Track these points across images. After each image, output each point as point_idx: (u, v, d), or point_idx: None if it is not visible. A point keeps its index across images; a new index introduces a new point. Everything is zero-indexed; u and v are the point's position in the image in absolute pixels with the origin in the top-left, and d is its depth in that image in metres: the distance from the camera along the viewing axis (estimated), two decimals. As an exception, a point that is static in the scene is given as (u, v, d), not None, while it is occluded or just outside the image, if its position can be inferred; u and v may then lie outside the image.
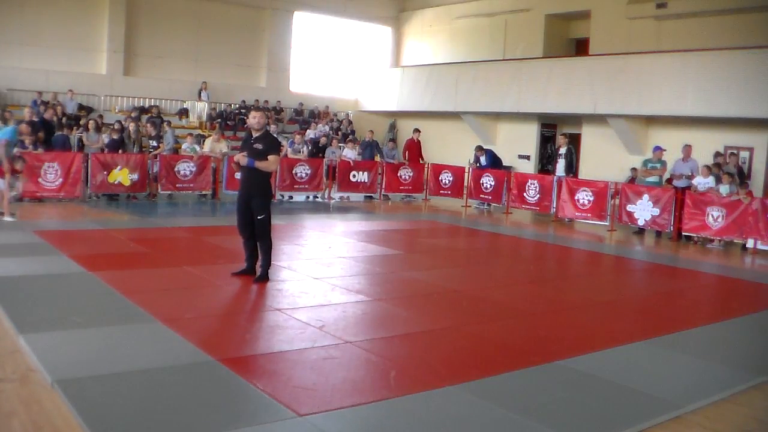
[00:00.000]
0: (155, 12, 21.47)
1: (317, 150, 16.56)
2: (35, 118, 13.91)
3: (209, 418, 3.61)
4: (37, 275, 6.66)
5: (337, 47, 25.46)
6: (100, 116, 17.90)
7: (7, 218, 9.93)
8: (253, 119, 6.89)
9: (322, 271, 7.78)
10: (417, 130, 18.12)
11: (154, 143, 14.38)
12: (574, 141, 19.89)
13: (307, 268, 7.84)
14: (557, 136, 16.07)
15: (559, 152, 15.18)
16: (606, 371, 4.77)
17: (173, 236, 9.87)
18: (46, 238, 8.60)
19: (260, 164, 6.74)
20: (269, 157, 6.75)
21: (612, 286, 8.55)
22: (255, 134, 6.90)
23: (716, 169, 12.93)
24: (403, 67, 24.84)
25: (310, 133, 19.72)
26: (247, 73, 23.48)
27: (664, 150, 13.47)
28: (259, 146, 6.78)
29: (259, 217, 6.82)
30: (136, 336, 4.97)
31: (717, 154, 14.75)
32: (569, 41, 22.09)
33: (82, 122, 16.77)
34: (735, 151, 14.79)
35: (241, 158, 6.84)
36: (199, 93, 21.66)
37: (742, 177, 13.28)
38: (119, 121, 16.07)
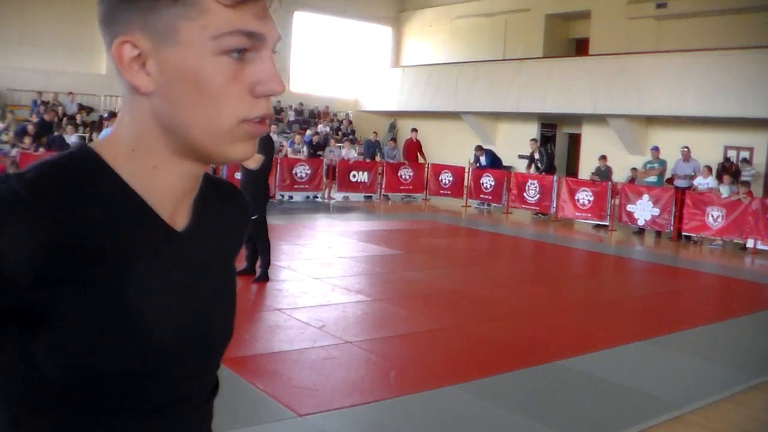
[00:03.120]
0: (155, 12, 21.45)
1: (314, 149, 16.59)
2: (35, 119, 13.92)
3: (209, 418, 3.61)
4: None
5: (337, 47, 25.46)
6: (100, 117, 17.90)
7: None
8: None
9: (322, 271, 7.78)
10: (414, 130, 18.41)
11: None
12: (574, 141, 19.98)
13: (307, 268, 7.84)
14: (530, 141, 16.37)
15: (535, 157, 15.45)
16: (606, 371, 4.77)
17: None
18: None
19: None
20: (254, 155, 6.86)
21: (612, 286, 8.56)
22: None
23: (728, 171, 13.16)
24: (403, 67, 24.83)
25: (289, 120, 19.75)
26: (247, 73, 23.45)
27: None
28: None
29: (252, 218, 6.90)
30: (136, 336, 4.96)
31: (740, 160, 15.01)
32: (569, 41, 22.08)
33: (78, 120, 16.80)
34: (741, 156, 14.97)
35: None
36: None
37: (738, 176, 13.35)
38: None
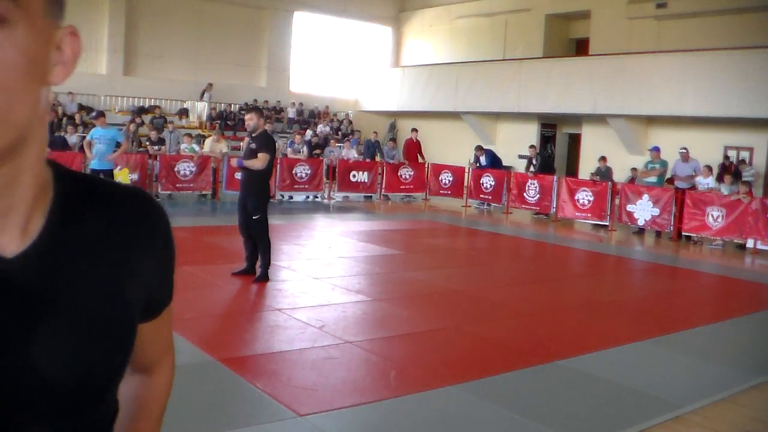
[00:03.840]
0: (155, 12, 21.46)
1: (311, 149, 16.62)
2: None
3: (209, 418, 3.61)
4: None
5: (337, 47, 25.46)
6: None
7: None
8: (249, 121, 7.01)
9: (322, 271, 7.78)
10: (414, 130, 18.41)
11: (156, 147, 14.42)
12: (574, 141, 19.98)
13: (307, 268, 7.84)
14: (528, 148, 16.36)
15: (533, 162, 15.58)
16: (606, 371, 4.77)
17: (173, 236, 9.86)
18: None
19: (247, 162, 6.89)
20: (258, 154, 6.84)
21: (612, 286, 8.55)
22: (253, 134, 7.01)
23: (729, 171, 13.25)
24: (403, 67, 24.84)
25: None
26: (247, 73, 23.48)
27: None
28: (253, 145, 6.93)
29: (253, 218, 6.90)
30: (136, 336, 4.96)
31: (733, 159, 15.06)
32: (569, 41, 22.09)
33: (78, 120, 16.80)
34: (740, 157, 15.01)
35: (231, 159, 6.97)
36: (202, 94, 21.61)
37: (738, 176, 13.36)
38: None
